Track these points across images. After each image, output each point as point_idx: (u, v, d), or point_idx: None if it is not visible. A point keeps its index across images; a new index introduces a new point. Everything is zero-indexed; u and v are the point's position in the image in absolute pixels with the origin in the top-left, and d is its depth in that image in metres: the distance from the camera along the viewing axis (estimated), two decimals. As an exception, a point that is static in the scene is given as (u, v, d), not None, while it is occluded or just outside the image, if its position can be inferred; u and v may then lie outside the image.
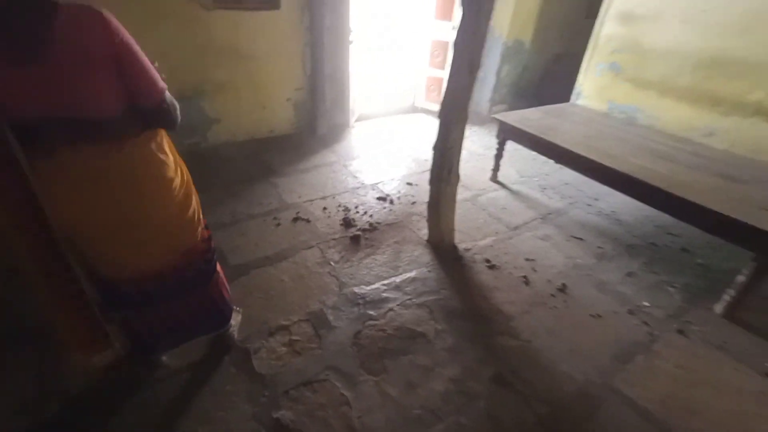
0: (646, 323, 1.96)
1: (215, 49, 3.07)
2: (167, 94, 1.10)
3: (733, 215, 1.83)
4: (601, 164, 2.32)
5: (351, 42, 3.53)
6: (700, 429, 1.49)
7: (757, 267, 1.85)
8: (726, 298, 2.00)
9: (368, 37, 4.00)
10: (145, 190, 1.12)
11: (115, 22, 0.95)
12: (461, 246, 2.42)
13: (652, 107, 2.96)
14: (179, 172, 1.23)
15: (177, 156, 1.25)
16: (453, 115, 2.07)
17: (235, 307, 1.67)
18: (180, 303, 1.35)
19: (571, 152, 2.48)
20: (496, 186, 3.17)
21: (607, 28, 3.11)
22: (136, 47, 1.00)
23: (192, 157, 3.03)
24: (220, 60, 3.12)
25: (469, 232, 2.56)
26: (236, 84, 3.29)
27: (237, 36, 3.13)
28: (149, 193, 1.13)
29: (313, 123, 3.81)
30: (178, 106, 1.14)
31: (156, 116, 1.09)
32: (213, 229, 1.76)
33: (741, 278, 1.92)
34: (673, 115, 2.85)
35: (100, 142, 1.00)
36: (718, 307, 2.04)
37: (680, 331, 1.93)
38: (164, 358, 1.58)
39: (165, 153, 1.17)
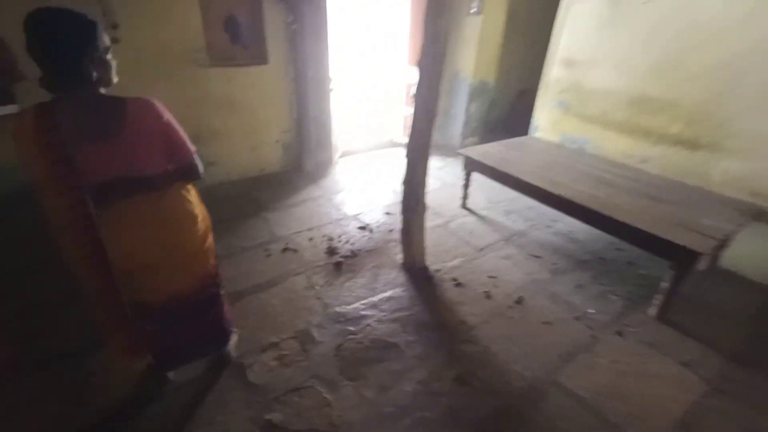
0: (589, 327, 2.27)
1: (211, 100, 3.47)
2: (195, 154, 1.45)
3: (653, 231, 2.19)
4: (548, 191, 2.69)
5: (331, 89, 3.96)
6: (626, 411, 1.78)
7: (674, 274, 2.19)
8: (656, 302, 2.33)
9: (348, 84, 4.44)
10: (178, 227, 1.44)
11: (160, 107, 1.31)
12: (432, 267, 2.73)
13: (597, 138, 3.39)
14: (200, 210, 1.56)
15: (198, 197, 1.59)
16: (417, 154, 2.43)
17: (232, 329, 1.95)
18: (194, 322, 1.64)
19: (524, 181, 2.85)
20: (465, 212, 3.52)
21: (554, 72, 3.59)
22: (175, 122, 1.37)
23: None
24: (216, 109, 3.52)
25: (439, 255, 2.89)
26: (230, 130, 3.67)
27: (230, 88, 3.54)
28: (181, 229, 1.46)
29: (300, 161, 4.18)
30: (201, 163, 1.50)
31: (188, 170, 1.43)
32: None
33: (664, 284, 2.26)
34: (614, 145, 3.27)
35: (148, 193, 1.33)
36: (651, 311, 2.36)
37: (618, 333, 2.24)
38: (170, 375, 1.84)
39: (191, 195, 1.51)
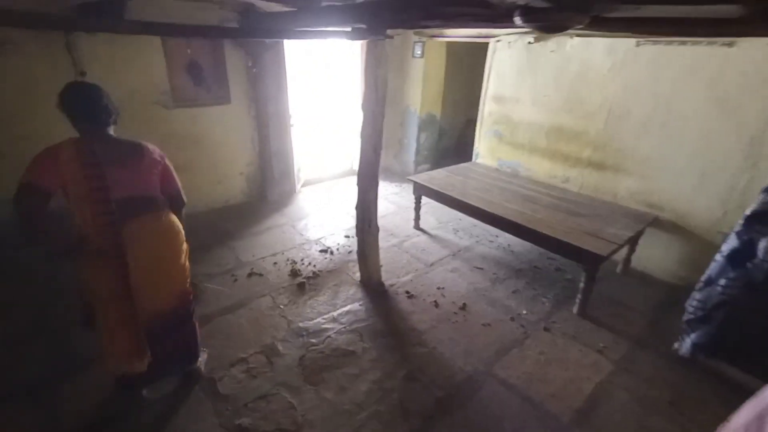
0: (522, 326, 2.63)
1: (176, 138, 3.69)
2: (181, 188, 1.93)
3: (566, 239, 2.61)
4: (484, 210, 3.10)
5: (292, 125, 4.29)
6: (547, 392, 2.12)
7: (586, 275, 2.61)
8: (577, 301, 2.74)
9: (309, 119, 4.80)
10: (173, 240, 1.80)
11: (160, 152, 1.82)
12: (387, 282, 3.03)
13: (527, 162, 3.89)
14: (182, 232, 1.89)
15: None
16: (366, 182, 2.77)
17: (202, 347, 2.14)
18: (171, 338, 1.84)
19: (464, 202, 3.25)
20: (418, 232, 3.88)
21: (488, 106, 4.11)
22: (170, 163, 1.87)
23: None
24: (181, 146, 3.73)
25: (394, 271, 3.19)
26: (195, 165, 3.88)
27: (195, 126, 3.78)
28: (175, 242, 1.81)
29: (263, 191, 4.43)
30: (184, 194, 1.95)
31: (176, 198, 1.90)
32: None
33: (581, 285, 2.68)
34: (541, 168, 3.77)
35: (151, 212, 1.71)
36: (575, 309, 2.76)
37: (546, 329, 2.60)
38: (144, 392, 1.99)
39: (176, 219, 1.86)
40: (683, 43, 2.66)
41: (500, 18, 1.41)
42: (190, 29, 2.87)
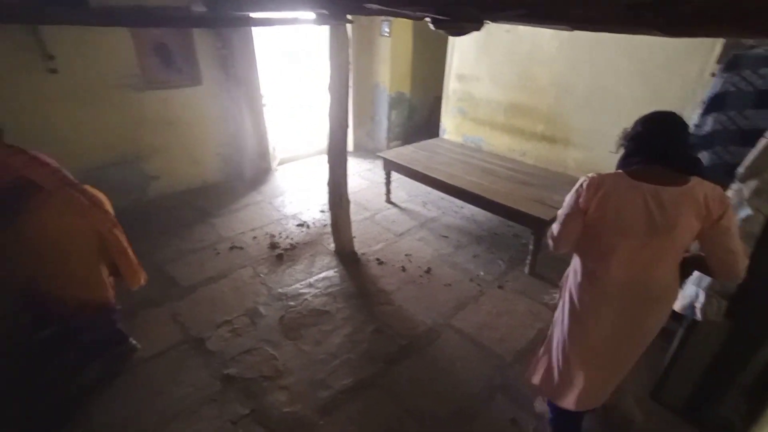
0: (479, 285, 2.96)
1: (149, 120, 3.77)
2: None
3: (515, 206, 2.93)
4: (445, 182, 3.38)
5: (264, 104, 4.40)
6: (495, 337, 2.47)
7: (534, 238, 2.95)
8: (527, 261, 3.08)
9: (282, 99, 4.92)
10: None
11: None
12: (359, 251, 3.30)
13: (488, 137, 4.17)
14: None
15: None
16: (336, 160, 2.98)
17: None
18: None
19: (428, 176, 3.52)
20: (389, 206, 4.14)
21: (452, 84, 4.33)
22: None
23: (135, 211, 3.67)
24: (154, 129, 3.82)
25: (366, 241, 3.47)
26: (170, 146, 3.98)
27: (166, 109, 3.86)
28: None
29: (240, 170, 4.57)
30: None
31: None
32: (164, 264, 2.65)
33: (530, 247, 3.02)
34: (501, 142, 4.06)
35: None
36: (526, 269, 3.11)
37: (500, 287, 2.95)
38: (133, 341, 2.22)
39: None
40: (618, 26, 2.93)
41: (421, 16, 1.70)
42: (157, 19, 2.93)
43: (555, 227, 1.50)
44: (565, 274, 1.64)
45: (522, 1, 1.16)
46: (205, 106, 4.10)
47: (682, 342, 1.89)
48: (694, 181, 1.26)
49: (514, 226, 3.71)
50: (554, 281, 2.99)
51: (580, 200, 1.38)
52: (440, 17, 1.50)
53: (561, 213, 1.47)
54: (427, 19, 1.59)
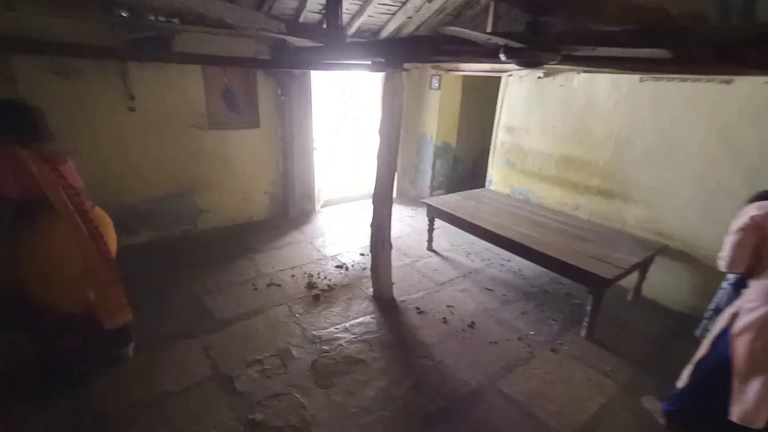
0: (529, 345, 2.68)
1: (207, 157, 4.00)
2: None
3: (571, 262, 2.70)
4: (492, 231, 3.22)
5: (315, 148, 4.58)
6: (551, 409, 2.16)
7: (593, 298, 2.67)
8: (585, 324, 2.78)
9: (331, 143, 5.11)
10: None
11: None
12: (399, 298, 3.15)
13: (537, 189, 4.02)
14: None
15: None
16: (381, 202, 2.95)
17: None
18: None
19: (473, 224, 3.39)
20: (430, 254, 4.00)
21: (500, 136, 4.31)
22: None
23: (184, 241, 3.79)
24: (210, 165, 4.04)
25: (405, 288, 3.31)
26: (223, 182, 4.17)
27: (225, 147, 4.10)
28: None
29: (285, 210, 4.67)
30: None
31: None
32: (203, 295, 2.72)
33: (588, 307, 2.73)
34: (551, 195, 3.89)
35: None
36: (582, 332, 2.80)
37: (553, 350, 2.65)
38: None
39: None
40: (684, 80, 2.82)
41: (490, 54, 1.64)
42: (229, 60, 3.21)
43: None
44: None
45: (615, 40, 1.10)
46: (259, 148, 4.32)
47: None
48: None
49: (566, 284, 3.43)
50: (617, 349, 2.66)
51: None
52: (516, 45, 1.45)
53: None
54: (501, 51, 1.55)
